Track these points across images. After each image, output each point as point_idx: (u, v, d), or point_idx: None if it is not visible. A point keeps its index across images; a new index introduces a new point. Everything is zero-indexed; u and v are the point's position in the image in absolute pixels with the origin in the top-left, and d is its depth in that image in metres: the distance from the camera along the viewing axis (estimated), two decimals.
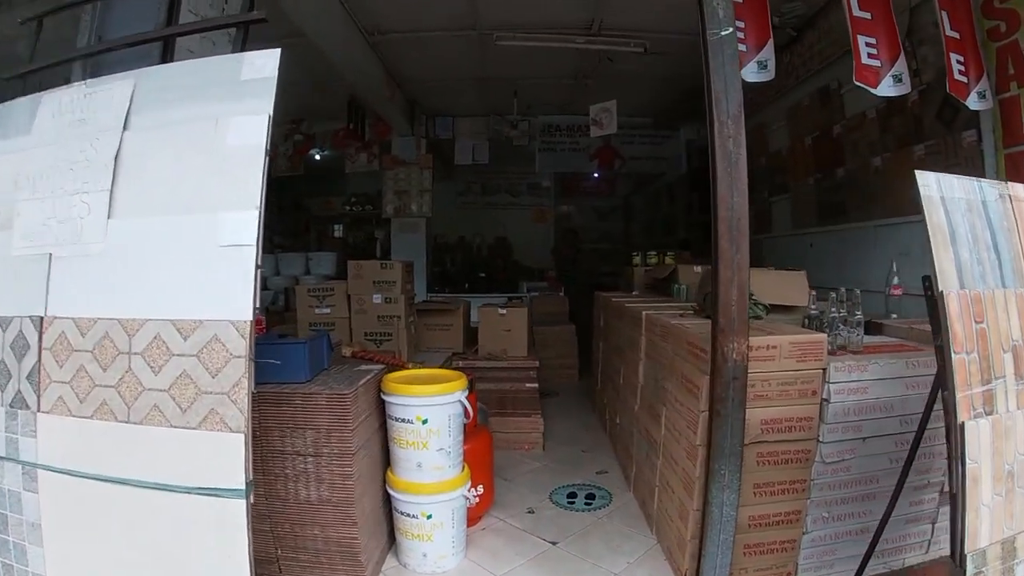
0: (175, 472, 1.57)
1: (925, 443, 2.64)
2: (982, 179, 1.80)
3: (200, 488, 1.54)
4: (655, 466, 3.13)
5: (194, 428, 1.56)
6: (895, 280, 3.54)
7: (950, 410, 1.52)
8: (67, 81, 2.20)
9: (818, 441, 2.55)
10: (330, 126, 8.27)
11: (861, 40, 3.25)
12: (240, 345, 1.56)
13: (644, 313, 3.60)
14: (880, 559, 2.66)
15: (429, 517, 2.65)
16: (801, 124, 5.86)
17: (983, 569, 1.46)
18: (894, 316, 3.41)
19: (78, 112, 1.92)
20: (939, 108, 3.87)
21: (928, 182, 1.61)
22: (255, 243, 1.60)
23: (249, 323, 1.57)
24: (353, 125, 7.29)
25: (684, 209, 9.96)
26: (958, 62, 3.30)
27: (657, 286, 5.47)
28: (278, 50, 1.71)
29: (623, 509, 3.40)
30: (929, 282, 1.73)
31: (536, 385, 5.16)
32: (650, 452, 3.26)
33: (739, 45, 3.15)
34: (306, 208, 9.61)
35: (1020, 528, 1.52)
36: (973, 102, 3.35)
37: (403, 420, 2.65)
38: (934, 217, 1.59)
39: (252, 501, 1.52)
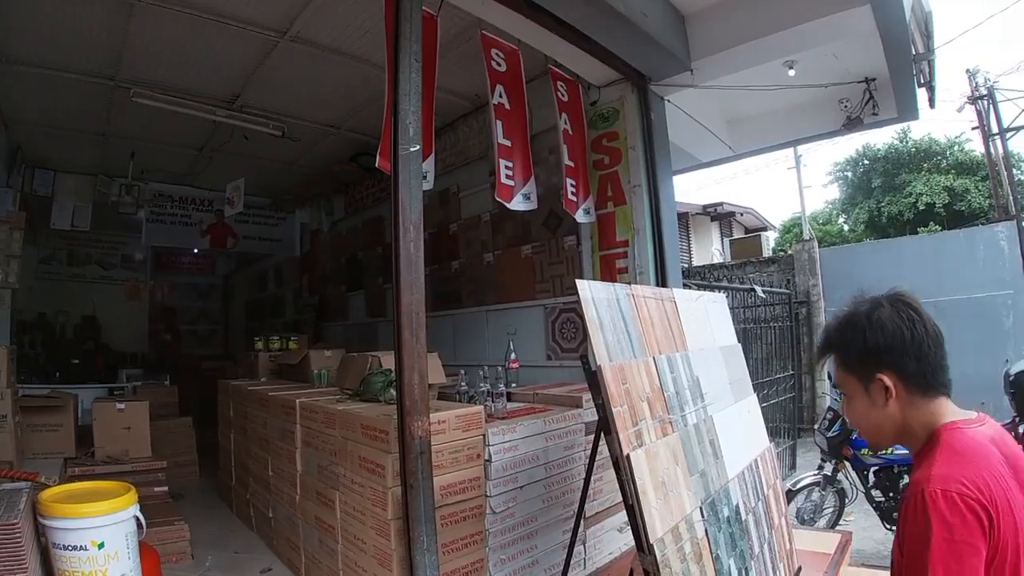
0: None
1: (562, 483, 3.30)
2: (616, 283, 2.37)
3: None
4: (334, 551, 3.15)
5: None
6: (512, 355, 4.31)
7: (615, 447, 1.97)
8: None
9: (486, 496, 2.97)
10: None
11: (502, 163, 3.69)
12: None
13: (298, 401, 3.63)
14: None
15: None
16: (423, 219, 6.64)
17: (664, 552, 1.93)
18: (514, 385, 4.12)
19: None
20: (545, 217, 4.95)
21: (584, 287, 2.11)
22: None
23: None
24: None
25: (294, 292, 10.04)
26: (571, 185, 4.16)
27: (285, 372, 5.43)
28: None
29: None
30: (586, 360, 2.27)
31: (166, 488, 4.62)
32: (325, 539, 3.27)
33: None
34: None
35: (678, 518, 2.04)
36: (580, 216, 4.22)
37: (74, 547, 2.16)
38: (590, 312, 2.08)
39: None
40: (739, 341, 3.30)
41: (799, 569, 2.80)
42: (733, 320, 3.40)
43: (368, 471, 2.86)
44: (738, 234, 14.85)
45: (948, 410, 1.36)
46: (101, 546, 2.21)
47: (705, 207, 14.08)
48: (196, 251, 11.71)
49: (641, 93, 4.34)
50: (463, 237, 5.99)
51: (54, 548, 2.20)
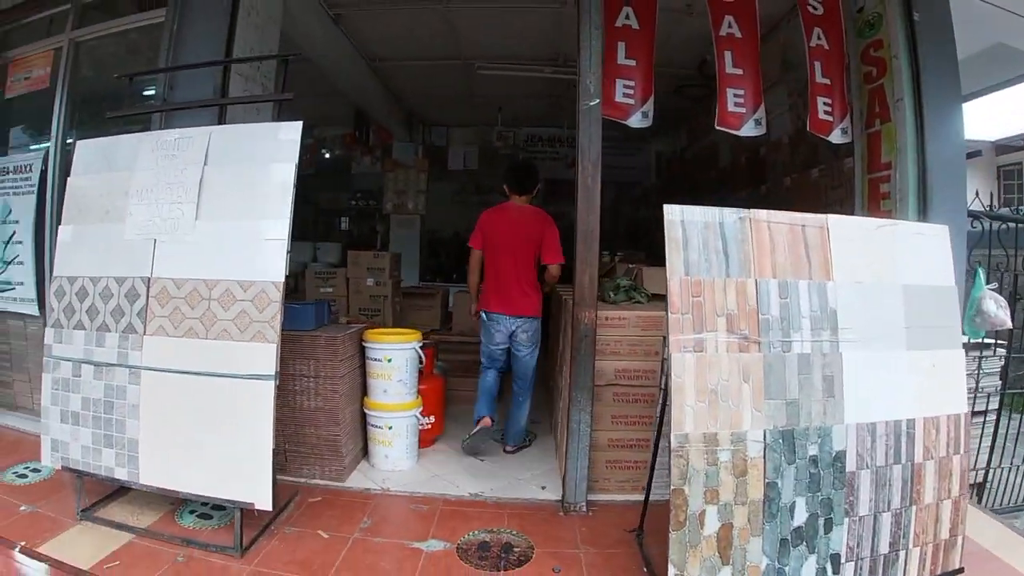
0: (234, 367, 2.76)
1: None
2: (727, 208, 2.54)
3: (249, 375, 2.73)
4: (559, 407, 4.24)
5: (247, 341, 2.75)
6: None
7: (667, 347, 2.44)
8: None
9: (660, 388, 3.52)
10: (338, 130, 9.34)
11: (729, 92, 3.74)
12: (277, 295, 2.73)
13: (564, 298, 4.49)
14: None
15: (391, 428, 3.82)
16: (740, 144, 6.77)
17: (685, 446, 2.29)
18: None
19: (170, 150, 3.07)
20: None
21: (672, 210, 2.45)
22: (286, 238, 2.76)
23: (282, 283, 2.76)
24: (359, 132, 8.38)
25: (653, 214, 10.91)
26: (825, 104, 3.89)
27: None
28: (300, 123, 2.85)
29: (541, 444, 4.52)
30: None
31: None
32: (558, 399, 4.35)
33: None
34: (315, 202, 10.24)
35: (723, 428, 2.34)
36: (836, 136, 3.90)
37: (376, 359, 3.84)
38: (672, 233, 2.43)
39: (277, 383, 2.69)
40: None
41: (959, 570, 2.66)
42: None
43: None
44: None
45: (512, 201, 4.26)
46: (390, 360, 3.80)
47: None
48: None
49: None
50: (769, 160, 6.05)
51: (366, 359, 3.89)
